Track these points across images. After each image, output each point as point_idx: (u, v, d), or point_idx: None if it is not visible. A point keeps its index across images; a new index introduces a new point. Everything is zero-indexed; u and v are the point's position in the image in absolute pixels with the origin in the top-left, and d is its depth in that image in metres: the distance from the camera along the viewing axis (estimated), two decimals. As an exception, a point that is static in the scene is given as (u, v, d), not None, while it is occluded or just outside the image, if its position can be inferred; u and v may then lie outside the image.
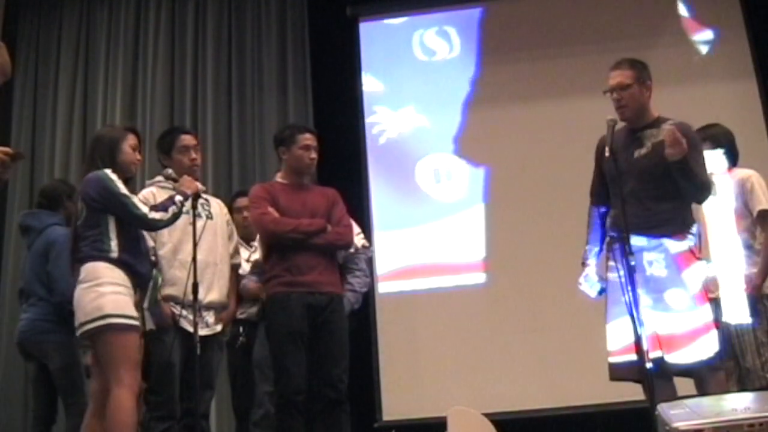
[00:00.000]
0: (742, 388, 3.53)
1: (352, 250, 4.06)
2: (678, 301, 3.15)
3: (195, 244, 3.39)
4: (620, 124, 3.32)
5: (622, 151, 3.27)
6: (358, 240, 4.14)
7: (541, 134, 5.56)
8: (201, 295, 3.45)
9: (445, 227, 5.57)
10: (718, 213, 3.67)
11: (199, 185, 3.61)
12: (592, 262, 3.43)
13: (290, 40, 5.99)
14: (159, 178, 3.76)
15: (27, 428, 5.36)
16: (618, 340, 3.23)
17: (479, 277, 5.46)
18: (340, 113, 5.86)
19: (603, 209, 3.43)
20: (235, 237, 3.93)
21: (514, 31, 5.84)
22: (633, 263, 3.00)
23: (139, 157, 3.47)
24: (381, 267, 5.50)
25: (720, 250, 3.67)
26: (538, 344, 5.19)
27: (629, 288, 2.97)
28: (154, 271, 3.52)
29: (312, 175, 4.13)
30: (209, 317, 3.63)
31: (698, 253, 3.27)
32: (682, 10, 5.67)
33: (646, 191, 3.22)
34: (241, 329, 3.99)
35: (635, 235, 3.12)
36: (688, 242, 3.22)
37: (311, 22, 6.02)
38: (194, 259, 3.37)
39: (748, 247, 3.64)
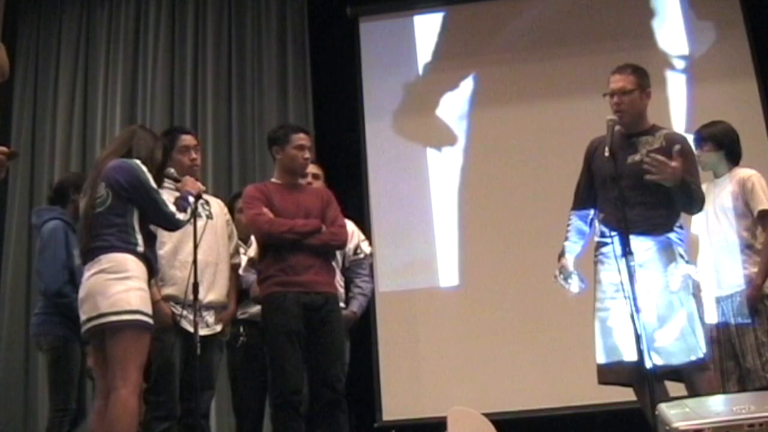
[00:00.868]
0: (742, 388, 3.54)
1: (361, 255, 4.16)
2: (665, 303, 3.16)
3: (195, 245, 3.39)
4: (600, 129, 3.34)
5: (619, 156, 3.27)
6: (366, 246, 4.25)
7: (541, 134, 5.56)
8: (201, 295, 3.45)
9: (445, 227, 5.58)
10: (714, 215, 3.69)
11: (200, 185, 3.62)
12: (569, 257, 3.45)
13: (290, 40, 5.99)
14: (159, 177, 3.75)
15: (27, 428, 5.38)
16: (606, 342, 3.24)
17: (479, 277, 5.46)
18: (340, 113, 5.86)
19: (586, 212, 3.44)
20: (235, 237, 3.92)
21: (514, 31, 5.84)
22: (633, 263, 3.01)
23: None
24: (381, 266, 5.49)
25: (716, 251, 3.69)
26: (538, 344, 5.19)
27: (630, 288, 2.98)
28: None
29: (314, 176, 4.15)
30: (209, 317, 3.63)
31: (686, 255, 3.29)
32: (682, 9, 5.67)
33: (636, 197, 3.24)
34: (241, 329, 3.99)
35: (620, 236, 3.13)
36: (677, 245, 3.24)
37: (311, 22, 6.02)
38: (195, 259, 3.36)
39: (749, 246, 3.64)
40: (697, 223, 3.79)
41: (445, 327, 5.37)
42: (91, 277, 3.12)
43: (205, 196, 3.71)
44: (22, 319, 5.49)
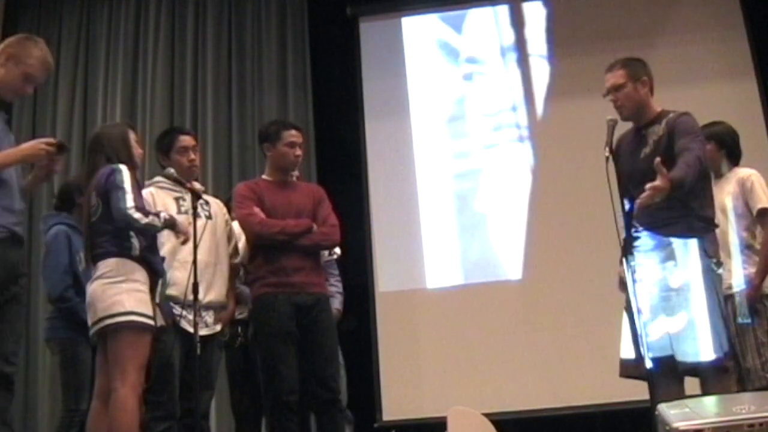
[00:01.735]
0: (742, 388, 3.53)
1: (334, 256, 4.15)
2: (687, 300, 3.13)
3: (195, 245, 3.39)
4: (627, 124, 3.31)
5: (632, 151, 3.27)
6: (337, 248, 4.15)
7: (541, 135, 5.57)
8: (201, 295, 3.44)
9: (445, 227, 5.57)
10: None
11: (198, 185, 3.64)
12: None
13: (290, 40, 5.99)
14: (159, 178, 3.75)
15: (26, 427, 5.38)
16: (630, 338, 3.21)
17: (479, 277, 5.46)
18: (340, 113, 5.86)
19: (626, 206, 3.37)
20: (235, 237, 3.92)
21: (515, 32, 5.84)
22: (633, 263, 3.00)
23: (141, 150, 3.47)
24: (381, 266, 5.50)
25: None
26: (538, 344, 5.19)
27: (631, 288, 2.98)
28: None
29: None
30: (209, 317, 3.62)
31: (710, 252, 3.20)
32: (682, 10, 5.67)
33: None
34: (239, 329, 3.99)
35: (650, 234, 3.13)
36: (698, 242, 3.16)
37: (311, 22, 6.02)
38: (194, 259, 3.36)
39: (748, 246, 3.63)
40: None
41: (445, 327, 5.37)
42: (91, 285, 3.20)
43: (205, 196, 3.71)
44: (22, 318, 5.47)
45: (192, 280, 3.36)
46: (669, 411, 2.49)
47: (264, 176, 3.85)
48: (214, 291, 3.64)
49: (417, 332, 5.46)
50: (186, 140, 3.79)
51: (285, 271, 3.57)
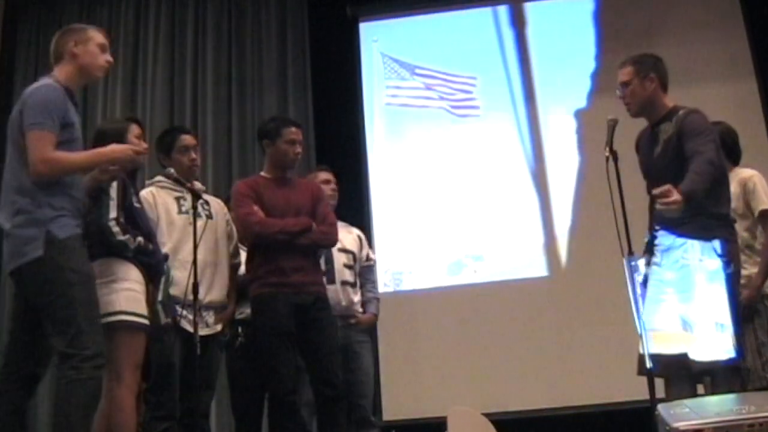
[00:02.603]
0: (742, 388, 3.53)
1: (371, 263, 4.27)
2: (703, 301, 3.12)
3: (195, 245, 3.38)
4: (635, 121, 3.30)
5: (648, 148, 3.28)
6: (372, 254, 4.36)
7: (541, 135, 5.57)
8: (201, 295, 3.44)
9: (445, 227, 5.57)
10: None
11: (199, 185, 3.64)
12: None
13: (290, 40, 5.99)
14: (159, 177, 3.75)
15: (28, 428, 5.36)
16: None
17: (479, 277, 5.46)
18: (340, 113, 5.86)
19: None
20: (235, 237, 3.92)
21: (515, 32, 5.85)
22: (633, 263, 3.00)
23: (146, 145, 3.40)
24: (381, 267, 5.49)
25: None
26: (538, 344, 5.19)
27: (632, 288, 2.98)
28: (166, 266, 3.49)
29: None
30: (209, 317, 3.62)
31: (721, 252, 3.16)
32: (682, 10, 5.67)
33: None
34: (239, 329, 3.98)
35: (665, 233, 3.13)
36: (714, 242, 3.13)
37: (311, 22, 6.02)
38: (195, 259, 3.36)
39: (749, 247, 3.63)
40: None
41: (445, 327, 5.37)
42: None
43: (205, 196, 3.71)
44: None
45: (192, 280, 3.36)
46: (669, 411, 2.50)
47: (263, 173, 3.84)
48: (214, 291, 3.64)
49: (417, 332, 5.46)
50: (187, 139, 3.78)
51: (284, 271, 3.56)
